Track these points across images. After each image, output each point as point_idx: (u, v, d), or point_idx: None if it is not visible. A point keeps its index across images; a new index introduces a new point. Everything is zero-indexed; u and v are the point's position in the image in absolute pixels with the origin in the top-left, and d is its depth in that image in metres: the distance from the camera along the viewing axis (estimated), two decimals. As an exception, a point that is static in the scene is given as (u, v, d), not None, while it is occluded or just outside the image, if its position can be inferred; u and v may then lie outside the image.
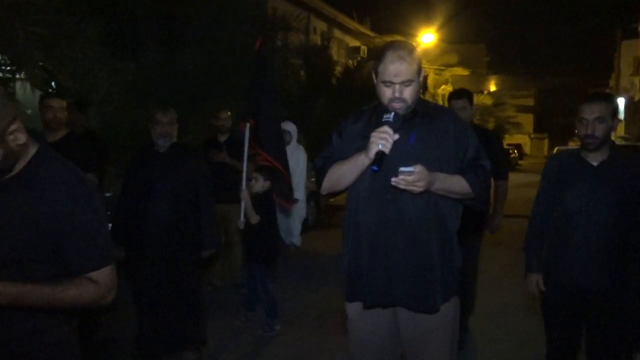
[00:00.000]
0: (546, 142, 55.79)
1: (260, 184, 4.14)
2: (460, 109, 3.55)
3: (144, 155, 3.49)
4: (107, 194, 6.61)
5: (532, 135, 55.72)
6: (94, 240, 1.49)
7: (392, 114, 1.93)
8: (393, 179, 1.84)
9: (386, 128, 1.89)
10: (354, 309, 2.12)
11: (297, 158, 6.63)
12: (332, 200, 10.24)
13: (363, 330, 2.12)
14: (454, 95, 3.74)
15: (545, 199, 2.61)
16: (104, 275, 1.50)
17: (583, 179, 2.44)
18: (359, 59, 16.16)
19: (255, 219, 4.01)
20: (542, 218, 2.63)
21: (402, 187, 1.85)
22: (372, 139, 1.89)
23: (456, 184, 1.97)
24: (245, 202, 3.97)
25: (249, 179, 4.16)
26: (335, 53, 18.57)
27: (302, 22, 10.26)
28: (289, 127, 6.60)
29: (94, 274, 1.48)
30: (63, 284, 1.43)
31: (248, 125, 3.98)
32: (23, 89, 5.41)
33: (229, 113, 5.20)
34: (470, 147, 2.03)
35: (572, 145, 28.48)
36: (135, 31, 6.54)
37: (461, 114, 3.38)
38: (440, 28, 27.82)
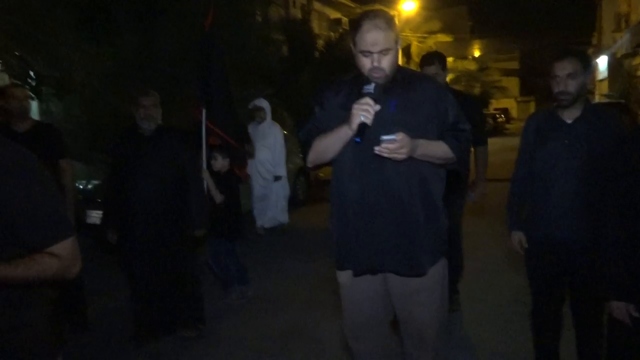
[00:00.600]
0: (533, 104, 55.93)
1: (220, 163, 4.19)
2: (434, 75, 3.38)
3: (130, 139, 3.49)
4: (95, 181, 6.61)
5: (518, 99, 55.86)
6: (49, 214, 1.50)
7: (373, 85, 1.94)
8: (376, 148, 1.87)
9: (367, 99, 1.91)
10: (345, 276, 2.17)
11: (273, 135, 6.62)
12: (321, 175, 10.29)
13: (355, 296, 2.18)
14: (425, 61, 3.56)
15: (525, 158, 2.67)
16: (65, 248, 1.51)
17: (558, 136, 2.50)
18: (340, 31, 16.01)
19: (219, 198, 4.07)
20: (522, 177, 2.69)
21: (385, 155, 1.88)
22: (354, 111, 1.90)
23: (438, 149, 2.00)
24: (207, 182, 4.00)
25: (209, 159, 4.20)
26: (317, 26, 18.36)
27: (281, -4, 10.08)
28: (263, 104, 6.55)
29: (54, 249, 1.49)
30: (24, 261, 1.45)
31: (204, 111, 4.06)
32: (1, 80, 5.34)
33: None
34: (450, 111, 2.05)
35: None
36: (110, 15, 6.42)
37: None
38: (420, -5, 27.49)
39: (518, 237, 2.68)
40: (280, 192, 6.74)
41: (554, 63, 2.46)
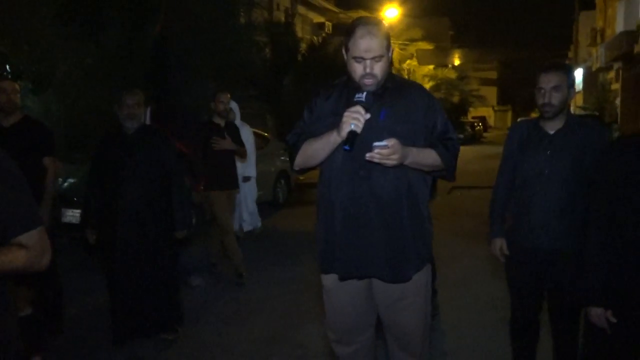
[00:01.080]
0: (510, 114, 57.04)
1: None
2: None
3: (112, 138, 3.45)
4: (71, 180, 6.49)
5: (495, 108, 56.86)
6: (16, 205, 1.50)
7: (364, 93, 1.95)
8: (367, 154, 1.87)
9: (358, 108, 1.91)
10: (329, 280, 2.18)
11: (245, 136, 6.33)
12: (302, 178, 10.29)
13: (339, 300, 2.19)
14: None
15: (507, 166, 2.73)
16: (33, 238, 1.51)
17: (540, 146, 2.56)
18: (323, 35, 16.06)
19: None
20: (504, 185, 2.74)
21: (376, 161, 1.88)
22: (345, 119, 1.91)
23: (428, 157, 2.02)
24: None
25: None
26: (300, 30, 18.39)
27: (265, -1, 10.10)
28: (231, 105, 6.30)
29: (22, 239, 1.49)
30: None
31: (149, 110, 4.13)
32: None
33: (228, 95, 4.92)
34: (439, 120, 2.07)
35: (534, 115, 29.05)
36: (95, 9, 6.33)
37: None
38: (403, 2, 27.77)
39: (499, 244, 2.73)
40: (249, 194, 6.48)
41: (540, 75, 2.52)
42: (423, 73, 30.84)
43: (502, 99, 59.55)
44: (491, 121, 51.24)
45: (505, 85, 60.59)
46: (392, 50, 2.08)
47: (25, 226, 1.50)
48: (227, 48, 7.57)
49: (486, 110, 48.81)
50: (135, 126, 3.39)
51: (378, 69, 1.98)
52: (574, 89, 2.59)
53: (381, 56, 1.97)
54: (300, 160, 2.13)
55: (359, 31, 1.95)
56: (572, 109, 27.97)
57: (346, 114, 1.92)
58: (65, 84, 5.91)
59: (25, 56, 4.78)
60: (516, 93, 61.44)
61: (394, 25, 28.81)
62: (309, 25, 22.36)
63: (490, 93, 51.01)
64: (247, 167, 6.40)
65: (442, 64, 33.39)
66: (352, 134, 1.90)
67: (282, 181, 8.94)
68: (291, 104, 12.55)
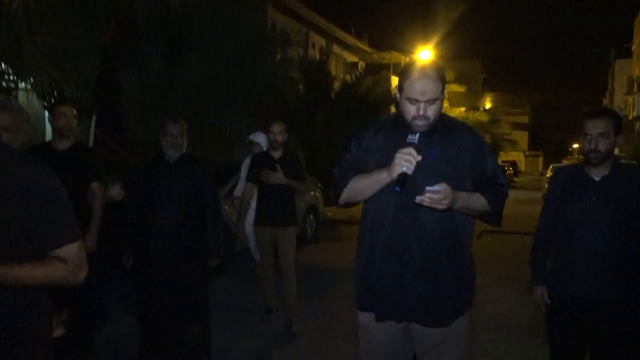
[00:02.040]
0: (541, 159, 56.22)
1: (116, 190, 3.93)
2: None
3: (153, 165, 3.52)
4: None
5: (526, 153, 56.19)
6: (60, 216, 1.54)
7: (417, 135, 1.96)
8: (418, 197, 1.86)
9: (411, 150, 1.91)
10: (366, 317, 2.14)
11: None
12: (330, 214, 10.27)
13: (375, 339, 2.14)
14: None
15: (549, 211, 2.67)
16: (72, 252, 1.54)
17: (585, 192, 2.51)
18: (357, 74, 16.31)
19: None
20: (546, 231, 2.68)
21: (426, 204, 1.87)
22: (397, 160, 1.90)
23: (477, 202, 2.00)
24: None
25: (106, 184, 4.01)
26: (334, 68, 18.76)
27: (301, 37, 10.39)
28: (259, 138, 5.78)
29: (61, 252, 1.52)
30: (32, 262, 1.48)
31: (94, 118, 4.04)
32: (27, 99, 5.45)
33: (284, 126, 4.54)
34: (489, 164, 2.06)
35: (566, 162, 28.75)
36: (139, 42, 6.61)
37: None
38: (437, 44, 28.13)
39: (540, 292, 2.65)
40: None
41: (587, 121, 2.49)
42: (454, 115, 30.89)
43: (533, 144, 58.90)
44: (522, 166, 50.57)
45: (536, 130, 60.04)
46: (446, 93, 2.07)
47: (64, 240, 1.54)
48: (262, 83, 7.77)
49: (517, 154, 48.27)
50: (178, 155, 3.45)
51: (431, 111, 1.98)
52: (622, 135, 2.55)
53: (435, 99, 1.97)
54: (347, 195, 2.12)
55: (416, 73, 1.96)
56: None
57: (398, 155, 1.91)
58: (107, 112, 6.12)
59: (74, 83, 4.99)
60: (547, 138, 60.76)
61: (426, 67, 29.12)
62: (342, 64, 22.80)
63: (522, 138, 50.53)
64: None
65: (474, 107, 33.42)
66: (403, 175, 1.90)
67: (311, 216, 8.93)
68: (322, 139, 12.69)
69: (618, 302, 2.41)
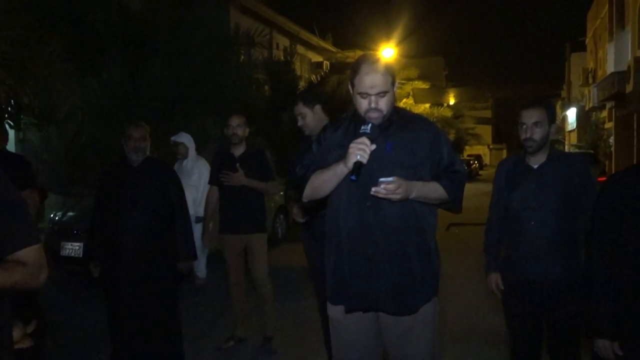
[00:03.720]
0: (504, 152, 57.52)
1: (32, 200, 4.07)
2: (299, 115, 3.21)
3: (117, 170, 3.49)
4: (71, 213, 6.50)
5: (491, 146, 57.50)
6: (17, 219, 1.52)
7: (369, 125, 2.02)
8: (373, 189, 1.93)
9: (364, 139, 1.97)
10: (336, 311, 2.18)
11: (199, 172, 5.71)
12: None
13: (346, 331, 2.19)
14: (294, 101, 3.30)
15: (498, 202, 2.80)
16: (31, 255, 1.52)
17: (525, 180, 2.65)
18: (322, 73, 16.36)
19: None
20: (496, 220, 2.80)
21: (381, 195, 1.94)
22: (351, 150, 1.96)
23: (433, 190, 2.07)
24: None
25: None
26: (299, 68, 18.77)
27: (265, 38, 10.37)
28: (183, 138, 5.54)
29: (20, 255, 1.50)
30: None
31: None
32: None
33: (243, 119, 4.03)
34: (445, 153, 2.13)
35: (529, 154, 29.45)
36: (99, 48, 6.50)
37: (302, 120, 3.19)
38: (399, 42, 28.41)
39: (495, 278, 2.77)
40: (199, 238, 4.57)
41: (522, 111, 2.63)
42: (419, 111, 31.35)
43: (497, 138, 60.30)
44: (487, 159, 51.73)
45: (500, 123, 61.44)
46: (397, 85, 2.15)
47: (23, 243, 1.52)
48: (227, 85, 7.74)
49: (482, 148, 49.38)
50: (141, 159, 3.43)
51: (383, 103, 2.06)
52: (555, 124, 2.69)
53: (385, 92, 2.05)
54: (309, 191, 2.17)
55: (365, 68, 2.04)
56: (566, 147, 28.21)
57: (352, 145, 1.98)
58: (68, 119, 6.00)
59: (31, 90, 4.87)
60: (511, 131, 62.24)
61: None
62: (307, 64, 22.83)
63: (486, 131, 51.65)
64: (200, 207, 5.33)
65: (438, 103, 33.91)
66: (357, 164, 1.96)
67: (281, 216, 8.94)
68: (289, 140, 12.68)
69: (569, 280, 2.53)
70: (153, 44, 6.90)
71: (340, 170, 2.03)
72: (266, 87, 12.97)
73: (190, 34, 7.22)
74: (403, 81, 29.30)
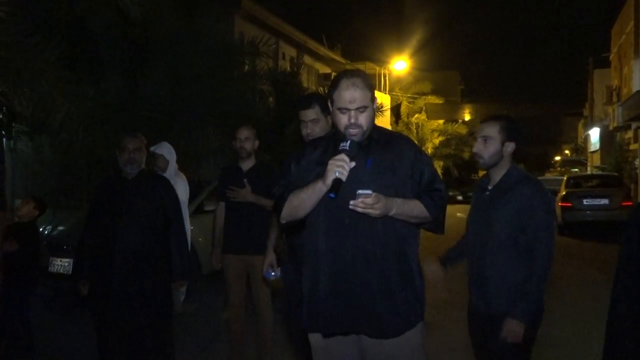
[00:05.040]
0: (523, 172, 57.24)
1: (27, 209, 4.29)
2: (312, 121, 2.97)
3: (111, 183, 3.51)
4: (61, 227, 6.54)
5: (508, 166, 57.12)
6: None
7: (349, 142, 2.09)
8: (351, 202, 1.98)
9: (343, 156, 2.04)
10: (316, 338, 2.21)
11: (179, 190, 5.14)
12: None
13: (330, 358, 2.20)
14: (302, 104, 3.07)
15: (467, 226, 2.73)
16: None
17: (480, 204, 2.61)
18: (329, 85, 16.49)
19: (12, 245, 4.05)
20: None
21: (359, 210, 1.98)
22: (329, 167, 2.02)
23: (414, 208, 2.12)
24: None
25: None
26: (306, 79, 18.94)
27: (271, 47, 10.49)
28: (164, 149, 5.20)
29: None
30: None
31: None
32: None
33: (252, 131, 4.01)
34: (426, 171, 2.19)
35: (549, 176, 29.26)
36: (97, 56, 6.60)
37: (314, 127, 2.95)
38: (412, 55, 28.71)
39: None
40: None
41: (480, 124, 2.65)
42: (432, 127, 31.41)
43: (515, 156, 60.05)
44: (504, 179, 51.37)
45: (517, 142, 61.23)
46: (377, 102, 2.24)
47: None
48: (230, 96, 7.81)
49: (498, 168, 49.03)
50: (136, 171, 3.44)
51: (363, 119, 2.11)
52: (514, 143, 2.58)
53: (365, 107, 2.11)
54: (287, 212, 2.19)
55: (344, 83, 2.11)
56: (589, 169, 28.02)
57: (330, 162, 2.04)
58: (62, 128, 6.07)
59: (25, 98, 4.95)
60: (528, 151, 62.06)
61: (403, 78, 29.62)
62: (314, 75, 23.05)
63: (503, 150, 51.37)
64: None
65: (452, 119, 33.99)
66: (336, 181, 2.01)
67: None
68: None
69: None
70: (153, 52, 7.00)
71: (318, 188, 2.07)
72: (271, 99, 13.09)
73: (192, 43, 7.32)
74: (415, 95, 29.46)
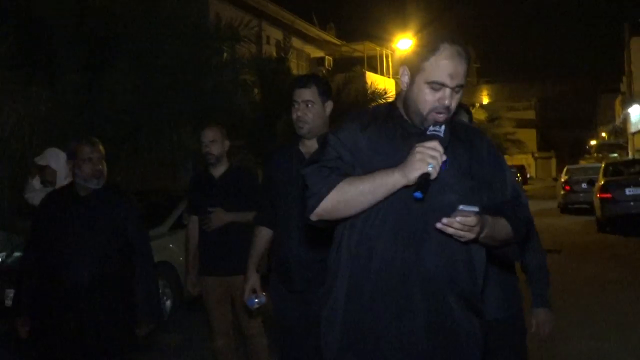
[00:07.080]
0: (553, 161, 57.51)
1: None
2: (306, 102, 2.97)
3: (61, 201, 3.24)
4: (17, 253, 6.52)
5: (536, 155, 57.44)
6: None
7: (442, 126, 1.82)
8: (444, 220, 1.71)
9: (436, 144, 1.76)
10: None
11: None
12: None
13: None
14: (298, 82, 3.09)
15: None
16: None
17: None
18: (323, 71, 16.51)
19: None
20: None
21: (451, 231, 1.73)
22: (419, 156, 1.74)
23: (502, 229, 1.88)
24: None
25: None
26: (295, 66, 18.95)
27: (253, 31, 10.49)
28: (49, 159, 4.53)
29: None
30: None
31: None
32: None
33: (218, 132, 3.95)
34: (508, 180, 1.98)
35: (584, 163, 29.19)
36: (50, 50, 6.59)
37: (307, 111, 2.94)
38: (419, 32, 28.67)
39: None
40: None
41: None
42: (445, 114, 31.39)
43: (544, 144, 60.26)
44: (531, 171, 51.62)
45: (546, 127, 61.43)
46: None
47: None
48: (208, 89, 7.81)
49: (525, 157, 49.30)
50: (100, 186, 3.20)
51: (455, 102, 1.88)
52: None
53: (462, 87, 1.88)
54: (331, 203, 1.84)
55: (446, 50, 1.84)
56: (630, 154, 28.05)
57: (419, 148, 1.76)
58: (12, 136, 6.05)
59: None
60: (559, 136, 62.17)
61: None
62: (305, 60, 23.07)
63: (529, 137, 51.63)
64: None
65: (468, 103, 34.05)
66: (425, 176, 1.73)
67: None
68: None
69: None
70: (116, 42, 6.99)
71: (392, 183, 1.79)
72: (255, 91, 13.09)
73: (161, 29, 7.31)
74: (424, 78, 29.45)
